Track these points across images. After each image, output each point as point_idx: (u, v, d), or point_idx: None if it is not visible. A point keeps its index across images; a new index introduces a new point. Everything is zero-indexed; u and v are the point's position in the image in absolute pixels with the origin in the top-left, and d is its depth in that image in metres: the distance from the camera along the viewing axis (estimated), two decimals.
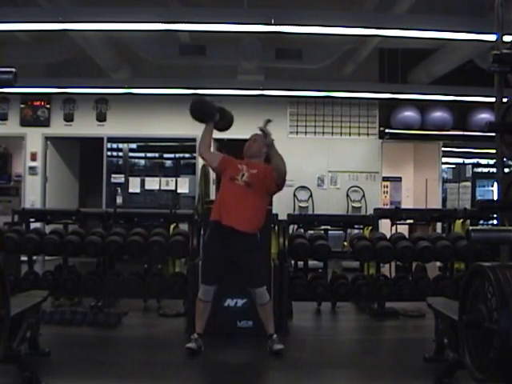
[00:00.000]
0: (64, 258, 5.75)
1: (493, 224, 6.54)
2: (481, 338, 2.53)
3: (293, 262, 5.76)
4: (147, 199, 9.68)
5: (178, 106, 9.33)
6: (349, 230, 6.96)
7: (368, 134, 9.59)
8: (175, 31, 6.88)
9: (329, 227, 6.20)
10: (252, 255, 4.17)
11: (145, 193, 9.68)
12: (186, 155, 9.99)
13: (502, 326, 2.34)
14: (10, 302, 2.95)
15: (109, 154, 9.75)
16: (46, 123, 9.45)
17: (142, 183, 9.67)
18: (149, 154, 10.17)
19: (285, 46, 7.94)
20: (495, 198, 4.21)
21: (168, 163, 10.13)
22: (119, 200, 9.58)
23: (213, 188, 9.33)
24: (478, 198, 10.08)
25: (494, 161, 3.41)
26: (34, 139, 9.44)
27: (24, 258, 5.83)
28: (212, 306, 4.26)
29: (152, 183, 9.68)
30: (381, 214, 6.50)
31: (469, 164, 10.93)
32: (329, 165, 9.50)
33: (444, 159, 10.14)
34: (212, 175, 9.31)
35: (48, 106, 9.45)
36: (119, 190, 9.66)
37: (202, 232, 5.17)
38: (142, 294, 5.56)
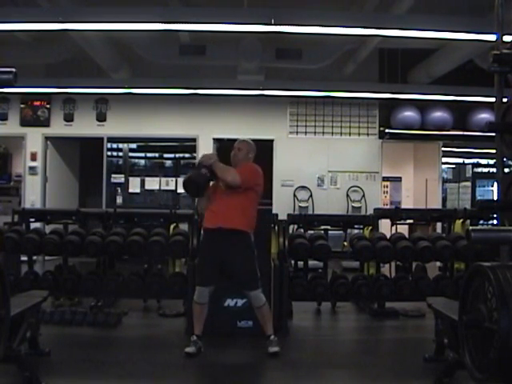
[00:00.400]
0: (64, 258, 5.75)
1: (493, 224, 6.53)
2: (481, 338, 2.53)
3: (293, 262, 5.76)
4: (147, 199, 9.69)
5: (178, 106, 9.38)
6: (349, 230, 6.96)
7: (368, 134, 9.59)
8: (175, 31, 6.88)
9: (329, 227, 6.21)
10: (244, 256, 4.15)
11: (145, 193, 9.68)
12: (186, 155, 9.99)
13: (502, 326, 2.34)
14: (10, 302, 2.95)
15: (109, 153, 9.75)
16: (46, 123, 9.45)
17: (142, 183, 9.68)
18: (149, 154, 10.17)
19: (285, 45, 7.94)
20: (495, 197, 4.20)
21: (168, 163, 10.14)
22: (119, 200, 9.59)
23: None
24: (478, 198, 10.09)
25: (494, 161, 3.41)
26: (34, 139, 9.44)
27: (24, 258, 5.83)
28: (212, 306, 4.26)
29: (152, 183, 9.68)
30: (381, 214, 6.50)
31: (469, 164, 10.93)
32: (329, 165, 9.50)
33: (444, 159, 10.15)
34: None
35: (48, 106, 9.45)
36: (119, 190, 9.66)
37: (201, 232, 5.17)
38: (141, 294, 5.56)
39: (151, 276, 5.49)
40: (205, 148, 9.37)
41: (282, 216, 5.76)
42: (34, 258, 6.35)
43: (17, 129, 9.49)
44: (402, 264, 5.87)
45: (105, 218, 6.07)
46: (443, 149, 9.90)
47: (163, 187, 9.65)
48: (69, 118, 9.51)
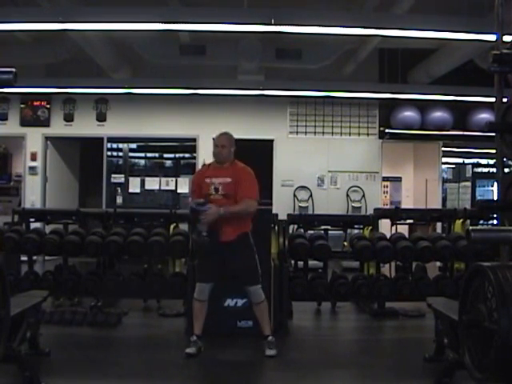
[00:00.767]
0: (64, 258, 5.75)
1: (493, 224, 6.53)
2: (481, 338, 2.53)
3: (293, 262, 5.76)
4: (147, 199, 9.68)
5: (178, 106, 9.38)
6: (349, 230, 6.96)
7: (368, 134, 9.58)
8: (175, 31, 6.88)
9: (329, 227, 6.20)
10: (244, 253, 4.15)
11: (145, 193, 9.68)
12: (186, 155, 9.99)
13: (502, 325, 2.34)
14: (10, 301, 2.95)
15: (109, 153, 9.75)
16: (46, 123, 9.45)
17: (142, 183, 9.68)
18: (149, 154, 10.17)
19: (285, 46, 7.94)
20: (495, 197, 4.20)
21: (168, 163, 10.14)
22: (119, 200, 9.58)
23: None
24: (478, 198, 10.08)
25: (494, 161, 3.41)
26: (34, 139, 9.44)
27: (24, 258, 5.83)
28: (212, 306, 4.26)
29: (152, 183, 9.68)
30: (381, 214, 6.50)
31: (469, 164, 10.92)
32: (329, 165, 9.50)
33: (444, 159, 10.15)
34: None
35: (48, 106, 9.45)
36: (119, 190, 9.66)
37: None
38: (141, 294, 5.57)
39: (151, 276, 5.49)
40: (205, 148, 9.37)
41: (282, 216, 5.76)
42: (34, 258, 6.34)
43: (17, 129, 9.49)
44: (402, 264, 5.87)
45: (105, 218, 6.07)
46: (443, 149, 9.90)
47: (163, 187, 9.65)
48: (69, 118, 9.51)
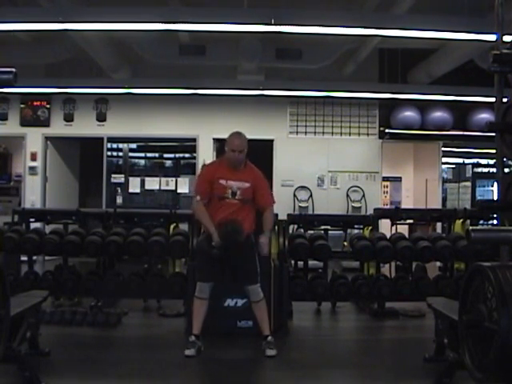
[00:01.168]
0: (64, 258, 5.75)
1: (493, 224, 6.53)
2: (481, 338, 2.53)
3: (293, 262, 5.76)
4: (147, 199, 9.68)
5: (178, 106, 9.38)
6: (349, 230, 6.96)
7: (368, 134, 9.58)
8: (175, 31, 6.88)
9: (329, 227, 6.20)
10: (246, 253, 4.17)
11: (145, 193, 9.68)
12: (186, 155, 9.99)
13: (502, 325, 2.34)
14: (10, 301, 2.95)
15: (109, 153, 9.75)
16: (46, 123, 9.45)
17: (142, 183, 9.68)
18: (149, 154, 10.17)
19: (285, 45, 7.94)
20: (495, 197, 4.20)
21: (168, 163, 10.13)
22: (119, 200, 9.58)
23: None
24: (478, 198, 10.08)
25: (494, 161, 3.41)
26: (34, 139, 9.44)
27: (24, 258, 5.83)
28: (212, 306, 4.26)
29: (152, 183, 9.68)
30: (381, 214, 6.50)
31: (469, 164, 10.92)
32: (329, 165, 9.50)
33: (444, 159, 10.14)
34: None
35: (48, 106, 9.45)
36: (119, 190, 9.66)
37: (201, 232, 5.17)
38: (141, 294, 5.56)
39: (151, 276, 5.49)
40: (205, 148, 9.39)
41: (282, 216, 5.76)
42: (34, 258, 6.35)
43: (17, 129, 9.49)
44: (402, 264, 5.87)
45: (105, 218, 6.08)
46: (443, 149, 9.90)
47: (163, 187, 9.65)
48: (69, 118, 9.51)
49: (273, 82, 8.75)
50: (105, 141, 9.56)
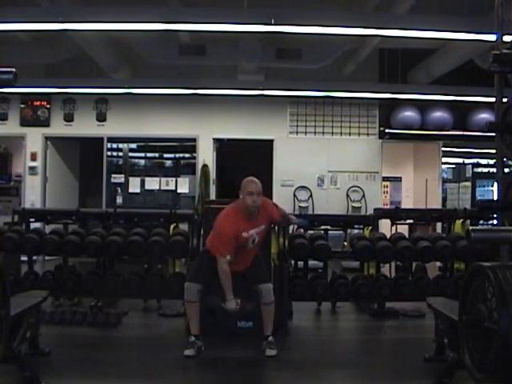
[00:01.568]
0: (64, 258, 5.75)
1: (493, 224, 6.53)
2: (481, 338, 2.53)
3: (293, 262, 5.76)
4: (147, 199, 9.68)
5: (178, 106, 9.38)
6: (349, 230, 6.96)
7: (368, 134, 9.58)
8: (175, 31, 6.88)
9: (329, 227, 6.20)
10: (253, 260, 4.21)
11: (145, 193, 9.67)
12: (186, 155, 9.98)
13: (501, 325, 2.34)
14: (10, 301, 2.95)
15: (109, 153, 9.75)
16: (46, 123, 9.45)
17: (142, 183, 9.67)
18: (149, 154, 10.16)
19: (285, 46, 7.94)
20: (495, 197, 4.20)
21: (168, 163, 10.12)
22: (119, 200, 9.58)
23: (213, 188, 9.34)
24: (478, 198, 10.08)
25: (494, 161, 3.41)
26: (34, 139, 9.44)
27: (24, 258, 5.83)
28: (212, 306, 4.26)
29: (152, 183, 9.68)
30: (381, 214, 6.50)
31: (469, 164, 10.92)
32: (329, 165, 9.50)
33: (444, 159, 10.14)
34: (212, 175, 9.32)
35: (48, 106, 9.45)
36: (119, 190, 9.65)
37: (201, 232, 5.17)
38: (141, 294, 5.56)
39: (151, 276, 5.49)
40: (205, 148, 9.39)
41: None
42: (34, 258, 6.34)
43: (17, 129, 9.49)
44: (402, 264, 5.87)
45: (105, 218, 6.08)
46: (443, 149, 9.90)
47: (163, 187, 9.65)
48: (69, 118, 9.51)
49: (273, 81, 8.75)
50: (105, 141, 9.56)
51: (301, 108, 9.53)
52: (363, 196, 9.39)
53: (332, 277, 5.65)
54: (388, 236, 5.76)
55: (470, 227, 2.88)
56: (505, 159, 3.30)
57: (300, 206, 9.21)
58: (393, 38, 6.35)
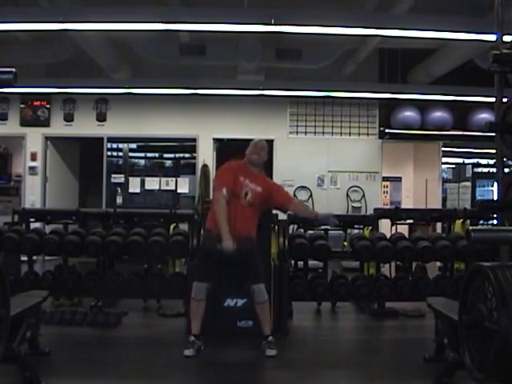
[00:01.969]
0: (64, 258, 5.74)
1: (493, 224, 6.53)
2: (481, 338, 2.53)
3: (293, 261, 5.76)
4: (147, 199, 9.68)
5: (178, 106, 9.38)
6: (349, 230, 6.96)
7: (368, 134, 9.59)
8: (175, 31, 6.88)
9: (329, 227, 6.20)
10: (250, 256, 4.18)
11: (145, 193, 9.68)
12: (186, 155, 9.99)
13: (501, 325, 2.34)
14: (10, 301, 2.95)
15: (109, 153, 9.75)
16: (46, 123, 9.45)
17: (142, 183, 9.68)
18: (149, 154, 10.17)
19: (285, 46, 7.94)
20: (495, 197, 4.20)
21: (168, 163, 10.13)
22: (119, 200, 9.58)
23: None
24: (478, 198, 10.08)
25: (494, 161, 3.41)
26: (34, 139, 9.44)
27: (24, 258, 5.83)
28: (212, 306, 4.26)
29: (152, 183, 9.68)
30: (381, 214, 6.50)
31: (469, 164, 10.92)
32: (329, 165, 9.50)
33: (444, 159, 10.14)
34: (212, 175, 9.31)
35: (48, 106, 9.45)
36: (119, 190, 9.66)
37: (201, 232, 5.18)
38: (141, 294, 5.56)
39: (151, 276, 5.48)
40: (205, 148, 9.39)
41: (282, 216, 5.75)
42: (34, 258, 6.34)
43: (17, 129, 9.49)
44: (401, 264, 5.86)
45: (105, 218, 6.08)
46: (443, 149, 9.90)
47: (163, 187, 9.65)
48: (69, 118, 9.51)
49: (273, 81, 8.75)
50: (105, 141, 9.56)
51: (301, 108, 9.53)
52: (363, 196, 9.40)
53: (332, 277, 5.65)
54: (388, 236, 5.76)
55: (470, 227, 2.88)
56: (505, 159, 3.30)
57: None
58: (393, 38, 6.35)
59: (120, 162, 9.95)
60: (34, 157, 9.46)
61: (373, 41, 7.29)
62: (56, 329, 4.78)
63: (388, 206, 9.95)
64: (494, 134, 3.29)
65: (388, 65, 9.03)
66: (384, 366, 4.15)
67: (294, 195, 9.30)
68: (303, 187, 9.40)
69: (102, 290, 5.40)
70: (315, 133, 9.55)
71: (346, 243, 7.01)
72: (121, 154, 9.97)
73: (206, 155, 9.34)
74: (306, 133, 9.55)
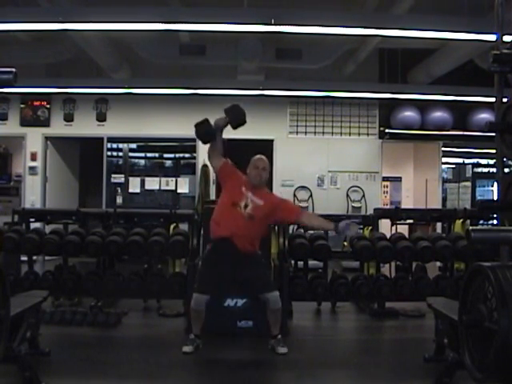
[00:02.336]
0: (64, 258, 5.74)
1: (493, 224, 6.53)
2: (481, 338, 2.53)
3: (293, 262, 5.76)
4: (147, 199, 9.68)
5: (178, 106, 9.38)
6: None
7: (368, 134, 9.59)
8: (175, 31, 6.88)
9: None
10: (254, 266, 4.16)
11: (145, 193, 9.68)
12: (186, 155, 9.99)
13: (502, 325, 2.34)
14: (10, 301, 2.95)
15: (109, 153, 9.75)
16: (46, 123, 9.45)
17: (142, 183, 9.68)
18: (149, 154, 10.17)
19: (285, 46, 7.94)
20: (495, 197, 4.20)
21: (168, 163, 10.13)
22: (119, 200, 9.58)
23: (213, 188, 9.33)
24: (478, 198, 10.08)
25: (494, 161, 3.41)
26: (34, 139, 9.44)
27: (24, 258, 5.83)
28: (212, 306, 4.26)
29: (152, 183, 9.68)
30: (381, 214, 6.50)
31: (469, 164, 10.92)
32: (329, 165, 9.50)
33: (444, 159, 10.14)
34: (212, 175, 9.31)
35: (48, 106, 9.45)
36: (119, 190, 9.66)
37: (201, 232, 5.18)
38: (141, 294, 5.56)
39: (151, 276, 5.48)
40: (205, 148, 9.35)
41: None
42: (34, 258, 6.34)
43: (17, 129, 9.49)
44: (401, 264, 5.86)
45: (105, 218, 6.08)
46: (443, 149, 9.90)
47: (163, 187, 9.65)
48: (69, 118, 9.51)
49: (273, 81, 8.75)
50: (105, 141, 9.56)
51: (301, 108, 9.53)
52: (363, 196, 9.40)
53: (332, 277, 5.65)
54: (388, 236, 5.76)
55: (470, 227, 2.88)
56: (505, 159, 3.30)
57: (300, 206, 9.19)
58: (393, 38, 6.34)
59: (120, 162, 9.95)
60: (34, 157, 9.46)
61: (373, 41, 7.29)
62: (56, 329, 4.78)
63: (388, 206, 9.95)
64: (494, 134, 3.30)
65: (388, 65, 9.03)
66: (384, 366, 4.15)
67: (294, 195, 9.32)
68: (303, 187, 9.40)
69: (102, 290, 5.40)
70: (315, 133, 9.55)
71: (345, 243, 7.00)
72: (121, 153, 9.97)
73: (205, 155, 9.26)
74: (305, 133, 9.55)
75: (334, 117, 9.55)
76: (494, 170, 3.42)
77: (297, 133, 9.55)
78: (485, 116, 8.98)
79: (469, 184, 10.51)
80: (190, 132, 9.72)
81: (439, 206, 9.71)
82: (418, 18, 5.92)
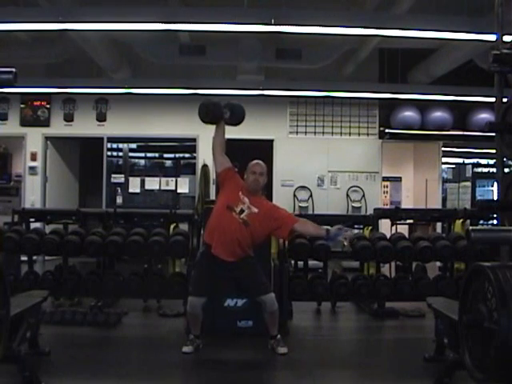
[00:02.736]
0: (64, 258, 5.75)
1: (493, 224, 6.53)
2: (481, 338, 2.53)
3: (293, 262, 5.76)
4: (147, 199, 9.68)
5: (178, 105, 9.37)
6: None
7: (368, 134, 9.59)
8: (175, 31, 6.88)
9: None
10: (250, 271, 4.13)
11: (145, 193, 9.68)
12: (186, 155, 9.99)
13: (502, 325, 2.34)
14: (10, 301, 2.95)
15: (109, 153, 9.75)
16: (46, 123, 9.45)
17: (142, 183, 9.67)
18: (149, 154, 10.17)
19: (285, 46, 7.94)
20: (495, 197, 4.20)
21: (168, 163, 10.14)
22: (119, 200, 9.58)
23: (213, 188, 9.33)
24: (478, 198, 10.08)
25: (494, 161, 3.41)
26: (34, 139, 9.44)
27: (24, 258, 5.83)
28: (212, 306, 4.26)
29: (152, 183, 9.68)
30: (381, 214, 6.50)
31: (469, 164, 10.93)
32: (329, 165, 9.50)
33: (444, 159, 10.14)
34: (212, 175, 9.32)
35: (48, 106, 9.45)
36: (119, 190, 9.66)
37: (201, 232, 5.17)
38: (141, 294, 5.56)
39: (151, 276, 5.49)
40: (205, 148, 9.38)
41: None
42: (34, 258, 6.35)
43: (17, 129, 9.49)
44: (402, 264, 5.86)
45: (105, 218, 6.08)
46: (443, 149, 9.90)
47: (163, 187, 9.65)
48: (69, 118, 9.51)
49: (273, 82, 8.75)
50: (105, 141, 9.55)
51: (301, 108, 9.53)
52: (363, 196, 9.40)
53: (332, 277, 5.65)
54: (388, 236, 5.76)
55: (470, 227, 2.88)
56: (505, 159, 3.30)
57: (300, 206, 9.21)
58: (393, 38, 6.34)
59: (120, 162, 9.95)
60: (34, 157, 9.46)
61: (373, 41, 7.29)
62: (56, 329, 4.78)
63: (388, 206, 9.95)
64: (494, 134, 3.29)
65: (388, 65, 9.02)
66: (384, 365, 4.15)
67: (294, 195, 9.32)
68: (303, 187, 9.40)
69: (102, 290, 5.40)
70: (315, 133, 9.55)
71: (345, 243, 7.00)
72: (121, 154, 9.97)
73: (205, 155, 9.32)
74: (305, 133, 9.55)
75: (333, 117, 9.55)
76: (494, 170, 3.42)
77: (297, 133, 9.55)
78: (485, 116, 8.99)
79: (469, 184, 10.51)
80: (190, 132, 9.70)
81: (439, 206, 9.71)
82: (418, 17, 5.92)
